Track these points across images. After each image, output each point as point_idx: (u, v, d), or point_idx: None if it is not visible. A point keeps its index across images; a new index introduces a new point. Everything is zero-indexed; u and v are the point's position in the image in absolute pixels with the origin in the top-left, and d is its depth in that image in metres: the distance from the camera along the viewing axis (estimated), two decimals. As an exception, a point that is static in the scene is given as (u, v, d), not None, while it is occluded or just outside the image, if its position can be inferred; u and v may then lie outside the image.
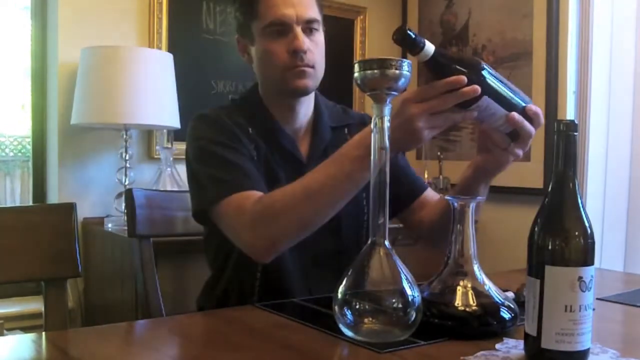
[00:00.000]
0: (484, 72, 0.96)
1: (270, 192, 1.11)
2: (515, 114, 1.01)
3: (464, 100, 0.95)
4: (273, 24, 1.22)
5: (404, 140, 0.98)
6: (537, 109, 1.04)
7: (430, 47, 0.93)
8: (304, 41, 1.22)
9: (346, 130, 1.39)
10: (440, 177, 2.89)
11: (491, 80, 0.97)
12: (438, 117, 0.97)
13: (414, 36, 0.91)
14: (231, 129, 1.24)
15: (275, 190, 1.10)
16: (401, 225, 1.49)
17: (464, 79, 0.93)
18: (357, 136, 1.05)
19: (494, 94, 0.98)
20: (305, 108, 1.33)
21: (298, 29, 1.22)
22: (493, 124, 1.03)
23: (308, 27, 1.24)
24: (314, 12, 1.24)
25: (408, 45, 0.91)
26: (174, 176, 2.39)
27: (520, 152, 1.07)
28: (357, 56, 3.14)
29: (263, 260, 1.13)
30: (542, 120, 1.04)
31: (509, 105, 1.01)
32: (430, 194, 1.38)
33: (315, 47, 1.25)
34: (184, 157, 1.31)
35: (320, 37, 1.27)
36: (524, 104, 1.03)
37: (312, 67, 1.25)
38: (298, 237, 1.09)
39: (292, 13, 1.21)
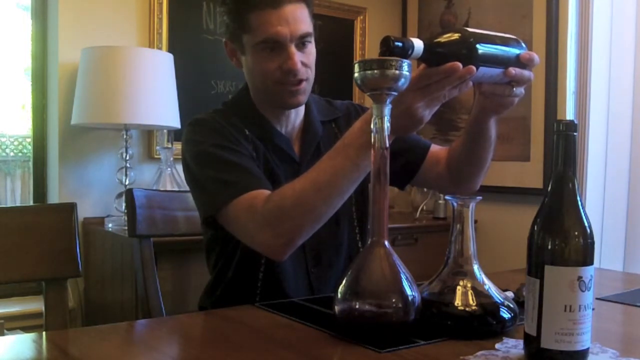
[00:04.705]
0: (476, 47, 0.96)
1: (279, 189, 1.10)
2: (511, 70, 1.02)
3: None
4: (266, 41, 1.20)
5: (406, 126, 1.00)
6: (530, 54, 1.04)
7: (419, 46, 0.92)
8: (297, 60, 1.21)
9: (333, 124, 1.40)
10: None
11: (484, 51, 0.97)
12: (436, 98, 0.98)
13: (401, 45, 0.90)
14: (229, 131, 1.24)
15: (282, 187, 1.10)
16: (402, 225, 1.49)
17: (459, 65, 0.93)
18: (357, 123, 1.05)
19: (489, 61, 0.99)
20: (298, 110, 1.34)
21: (292, 48, 1.20)
22: (491, 82, 1.05)
23: (301, 42, 1.22)
24: (306, 26, 1.22)
25: (396, 54, 0.90)
26: (174, 176, 2.39)
27: (522, 91, 1.09)
28: (357, 56, 3.14)
29: (280, 258, 1.13)
30: (537, 59, 1.06)
31: (504, 62, 1.02)
32: (437, 149, 1.39)
33: (307, 59, 1.24)
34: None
35: (312, 47, 1.26)
36: (517, 52, 1.04)
37: (306, 79, 1.25)
38: (312, 230, 1.09)
39: (285, 32, 1.19)
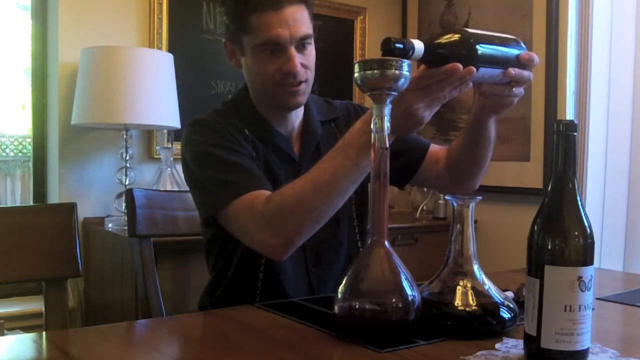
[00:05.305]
0: (476, 48, 0.96)
1: (279, 190, 1.10)
2: (511, 70, 1.02)
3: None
4: (266, 43, 1.20)
5: (406, 127, 1.01)
6: (530, 55, 1.05)
7: (420, 47, 0.92)
8: (297, 62, 1.21)
9: (333, 124, 1.40)
10: (440, 177, 2.89)
11: (484, 51, 0.97)
12: (437, 99, 0.98)
13: (402, 46, 0.90)
14: (229, 131, 1.24)
15: (283, 187, 1.10)
16: (402, 225, 1.49)
17: (459, 66, 0.93)
18: (358, 123, 1.05)
19: (489, 62, 0.99)
20: (298, 111, 1.34)
21: (292, 50, 1.20)
22: (491, 82, 1.05)
23: (301, 43, 1.22)
24: (306, 28, 1.22)
25: (397, 55, 0.90)
26: (174, 176, 2.39)
27: (522, 91, 1.09)
28: (357, 56, 3.14)
29: (280, 258, 1.13)
30: (537, 60, 1.06)
31: (503, 62, 1.02)
32: (436, 148, 1.39)
33: (307, 61, 1.24)
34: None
35: (312, 49, 1.26)
36: (517, 52, 1.04)
37: (305, 81, 1.25)
38: (313, 230, 1.09)
39: (286, 34, 1.19)
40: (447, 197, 0.95)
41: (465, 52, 0.95)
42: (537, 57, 1.06)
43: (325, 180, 1.05)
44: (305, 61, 1.23)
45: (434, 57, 0.94)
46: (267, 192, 1.12)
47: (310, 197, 1.05)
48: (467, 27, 0.98)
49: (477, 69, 0.95)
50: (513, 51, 1.04)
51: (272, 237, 1.09)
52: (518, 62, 1.04)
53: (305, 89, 1.26)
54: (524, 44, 1.07)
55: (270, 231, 1.08)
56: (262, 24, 1.19)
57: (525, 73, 1.05)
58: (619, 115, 2.46)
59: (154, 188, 2.32)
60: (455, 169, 1.32)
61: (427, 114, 1.00)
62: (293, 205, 1.06)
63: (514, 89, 1.07)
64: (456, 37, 0.96)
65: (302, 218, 1.07)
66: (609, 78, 2.48)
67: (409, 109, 0.98)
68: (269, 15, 1.18)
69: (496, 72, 1.01)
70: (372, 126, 0.89)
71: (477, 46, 0.96)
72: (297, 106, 1.29)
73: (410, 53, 0.91)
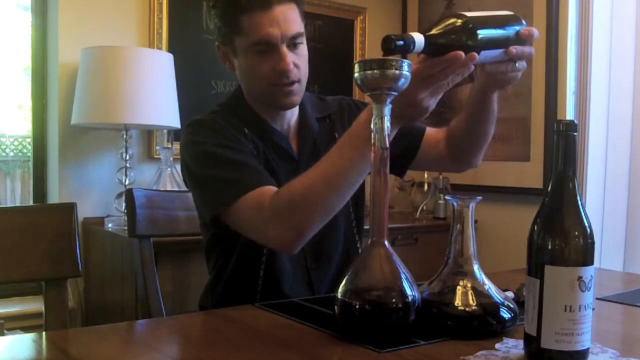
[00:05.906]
0: (477, 33, 0.96)
1: (287, 185, 1.11)
2: (512, 50, 1.03)
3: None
4: (258, 43, 1.20)
5: (410, 116, 1.01)
6: (530, 30, 1.05)
7: (420, 40, 0.92)
8: (290, 61, 1.21)
9: (328, 120, 1.40)
10: (440, 177, 2.90)
11: (484, 35, 0.97)
12: (440, 86, 0.99)
13: (402, 42, 0.90)
14: (229, 130, 1.24)
15: (290, 182, 1.10)
16: (402, 225, 1.50)
17: (461, 54, 0.93)
18: (363, 115, 1.05)
19: (491, 44, 1.00)
20: (293, 109, 1.34)
21: (283, 48, 1.21)
22: (493, 62, 1.06)
23: (293, 42, 1.23)
24: (298, 26, 1.23)
25: (398, 52, 0.90)
26: (174, 176, 2.39)
27: (524, 65, 1.10)
28: (357, 56, 3.14)
29: (292, 251, 1.13)
30: (537, 34, 1.07)
31: (504, 42, 1.02)
32: (433, 131, 1.41)
33: (300, 60, 1.25)
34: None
35: (304, 48, 1.27)
36: (517, 29, 1.04)
37: (298, 81, 1.25)
38: (323, 222, 1.09)
39: (277, 33, 1.19)
40: (447, 197, 0.95)
41: (465, 38, 0.95)
42: (537, 32, 1.07)
43: (334, 172, 1.05)
44: (297, 60, 1.24)
45: (435, 47, 0.94)
46: (273, 188, 1.13)
47: (319, 189, 1.06)
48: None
49: (479, 53, 0.95)
50: (513, 29, 1.04)
51: (283, 231, 1.09)
52: (518, 38, 1.04)
53: (299, 88, 1.26)
54: (523, 20, 1.07)
55: (280, 226, 1.08)
56: (252, 24, 1.19)
57: (526, 49, 1.05)
58: (619, 116, 2.46)
59: (154, 188, 2.32)
60: (457, 148, 1.34)
61: (432, 102, 1.00)
62: (302, 198, 1.06)
63: (516, 63, 1.07)
64: (455, 24, 0.96)
65: (312, 210, 1.07)
66: (609, 78, 2.48)
67: (413, 100, 0.98)
68: (259, 15, 1.19)
69: (497, 52, 1.02)
70: (372, 126, 0.89)
71: (477, 31, 0.96)
72: (292, 105, 1.29)
73: (411, 47, 0.91)
